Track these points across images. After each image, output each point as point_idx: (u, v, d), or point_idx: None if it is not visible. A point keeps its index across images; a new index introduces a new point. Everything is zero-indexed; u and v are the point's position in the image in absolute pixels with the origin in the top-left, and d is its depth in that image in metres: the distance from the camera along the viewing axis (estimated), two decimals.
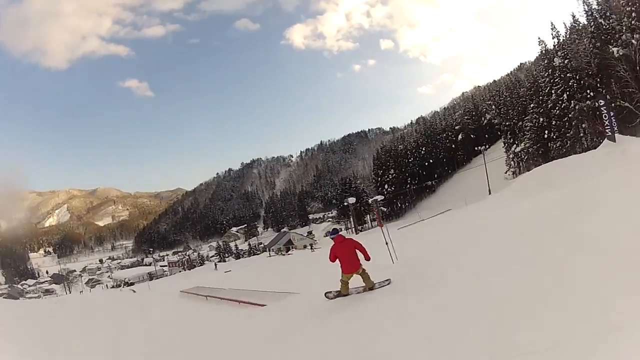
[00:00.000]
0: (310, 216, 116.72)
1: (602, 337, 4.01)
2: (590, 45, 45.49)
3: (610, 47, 42.74)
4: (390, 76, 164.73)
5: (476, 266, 8.65)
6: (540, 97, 50.93)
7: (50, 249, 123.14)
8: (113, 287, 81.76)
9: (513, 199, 21.44)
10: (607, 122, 23.27)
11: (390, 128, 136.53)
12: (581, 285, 5.48)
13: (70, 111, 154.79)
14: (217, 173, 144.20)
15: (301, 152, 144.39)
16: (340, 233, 11.10)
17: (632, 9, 42.08)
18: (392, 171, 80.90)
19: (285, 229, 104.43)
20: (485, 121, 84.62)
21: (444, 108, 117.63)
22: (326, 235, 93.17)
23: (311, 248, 66.35)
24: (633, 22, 41.86)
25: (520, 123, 58.89)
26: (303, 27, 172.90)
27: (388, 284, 9.92)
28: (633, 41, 41.22)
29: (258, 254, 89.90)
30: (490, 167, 60.42)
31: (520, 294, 5.83)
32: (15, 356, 12.45)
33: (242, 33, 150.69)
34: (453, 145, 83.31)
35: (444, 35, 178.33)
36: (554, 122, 48.67)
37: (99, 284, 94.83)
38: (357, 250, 9.91)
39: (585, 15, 48.05)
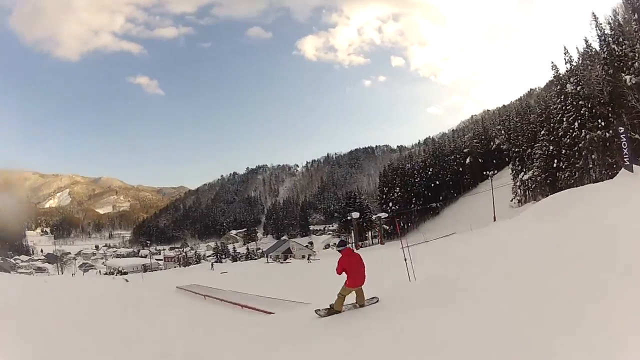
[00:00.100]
0: (311, 227, 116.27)
1: None
2: (603, 72, 44.80)
3: (623, 74, 42.09)
4: (399, 94, 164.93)
5: (495, 287, 8.32)
6: (552, 124, 50.40)
7: (48, 229, 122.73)
8: (106, 273, 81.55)
9: (528, 224, 21.15)
10: (625, 152, 22.91)
11: (397, 146, 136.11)
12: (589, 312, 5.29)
13: (80, 100, 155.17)
14: (222, 175, 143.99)
15: (307, 162, 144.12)
16: (348, 246, 10.76)
17: None
18: (397, 189, 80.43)
19: (285, 237, 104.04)
20: (494, 146, 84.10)
21: (453, 130, 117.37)
22: (325, 248, 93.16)
23: (308, 259, 65.55)
24: None
25: (530, 150, 58.34)
26: (315, 38, 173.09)
27: (376, 301, 9.79)
28: None
29: (255, 259, 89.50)
30: (496, 193, 59.87)
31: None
32: None
33: (253, 40, 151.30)
34: (460, 169, 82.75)
35: (455, 56, 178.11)
36: (563, 151, 48.06)
37: (93, 269, 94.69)
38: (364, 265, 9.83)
39: (598, 40, 47.44)
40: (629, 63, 42.43)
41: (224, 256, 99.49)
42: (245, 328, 10.87)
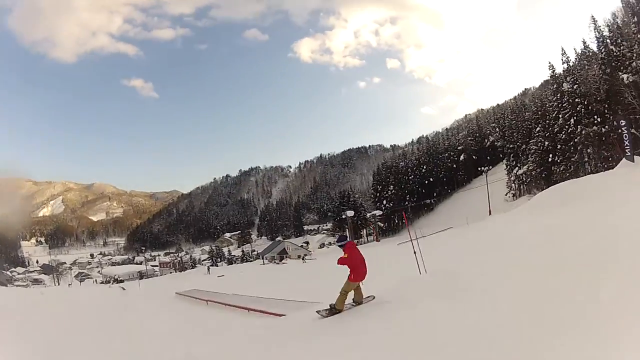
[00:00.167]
0: (305, 227, 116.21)
1: None
2: (600, 71, 45.48)
3: (620, 73, 42.64)
4: (394, 95, 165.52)
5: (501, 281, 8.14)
6: (547, 121, 50.81)
7: (42, 239, 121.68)
8: (102, 282, 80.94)
9: (529, 215, 21.07)
10: (627, 143, 23.12)
11: (390, 145, 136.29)
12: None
13: (74, 104, 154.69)
14: (214, 178, 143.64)
15: (300, 163, 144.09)
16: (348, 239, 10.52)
17: None
18: (391, 187, 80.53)
19: (279, 238, 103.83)
20: (488, 143, 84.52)
21: (447, 129, 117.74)
22: (321, 247, 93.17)
23: (302, 259, 65.28)
24: None
25: (524, 146, 58.70)
26: (311, 41, 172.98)
27: (372, 299, 9.61)
28: None
29: (251, 261, 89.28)
30: (490, 188, 60.05)
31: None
32: None
33: (250, 42, 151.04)
34: (454, 165, 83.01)
35: (451, 58, 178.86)
36: (559, 146, 48.49)
37: (89, 278, 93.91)
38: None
39: (596, 41, 47.98)
40: (627, 63, 42.98)
41: (219, 259, 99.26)
42: (258, 331, 10.41)
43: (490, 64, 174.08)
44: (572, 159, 46.70)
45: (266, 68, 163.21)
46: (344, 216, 78.51)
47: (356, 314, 8.93)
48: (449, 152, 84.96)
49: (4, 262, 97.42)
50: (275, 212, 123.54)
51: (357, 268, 9.48)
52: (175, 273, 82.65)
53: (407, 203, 78.35)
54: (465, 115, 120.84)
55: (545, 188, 48.26)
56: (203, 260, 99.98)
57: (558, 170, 48.20)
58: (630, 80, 41.73)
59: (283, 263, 66.85)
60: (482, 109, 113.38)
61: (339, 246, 10.03)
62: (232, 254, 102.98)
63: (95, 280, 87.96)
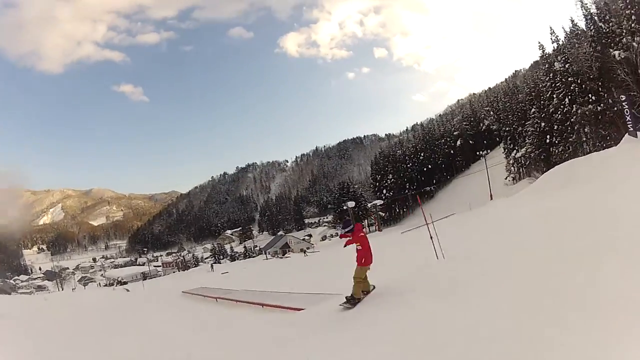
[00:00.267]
0: (306, 221, 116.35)
1: None
2: (591, 49, 45.34)
3: (611, 50, 42.52)
4: (384, 84, 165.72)
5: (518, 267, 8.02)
6: (542, 102, 50.63)
7: (44, 247, 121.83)
8: (106, 285, 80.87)
9: (531, 199, 21.03)
10: (629, 118, 23.08)
11: (385, 134, 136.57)
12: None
13: (67, 113, 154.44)
14: (212, 176, 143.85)
15: (296, 157, 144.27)
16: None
17: (632, 11, 41.91)
18: (390, 176, 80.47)
19: (281, 233, 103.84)
20: (484, 127, 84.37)
21: (439, 115, 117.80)
22: (323, 239, 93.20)
23: (304, 253, 65.18)
24: (633, 25, 41.66)
25: (520, 128, 58.53)
26: (297, 35, 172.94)
27: (373, 288, 9.38)
28: (634, 44, 41.04)
29: (254, 257, 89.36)
30: (489, 173, 59.90)
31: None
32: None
33: (236, 41, 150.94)
34: (452, 151, 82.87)
35: (437, 44, 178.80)
36: (555, 127, 48.31)
37: (92, 282, 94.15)
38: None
39: (584, 19, 47.72)
40: (617, 39, 42.70)
41: (221, 257, 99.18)
42: (281, 328, 9.94)
43: (478, 47, 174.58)
44: (570, 139, 46.57)
45: (254, 65, 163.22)
46: (345, 207, 78.40)
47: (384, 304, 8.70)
48: (445, 138, 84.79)
49: (6, 270, 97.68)
50: (275, 207, 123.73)
51: (368, 251, 9.31)
52: (178, 272, 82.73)
53: (407, 191, 78.40)
54: (458, 100, 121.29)
55: (545, 170, 48.46)
56: (205, 259, 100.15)
57: (557, 151, 48.05)
58: (622, 56, 41.58)
59: (286, 257, 66.80)
60: (474, 94, 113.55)
61: (347, 232, 9.62)
62: (235, 250, 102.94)
63: (99, 284, 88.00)
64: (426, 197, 79.82)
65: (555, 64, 48.06)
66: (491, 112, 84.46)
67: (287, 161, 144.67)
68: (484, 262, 9.28)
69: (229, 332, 10.89)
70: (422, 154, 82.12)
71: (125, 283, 71.54)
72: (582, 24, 49.05)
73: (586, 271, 6.03)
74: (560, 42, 50.44)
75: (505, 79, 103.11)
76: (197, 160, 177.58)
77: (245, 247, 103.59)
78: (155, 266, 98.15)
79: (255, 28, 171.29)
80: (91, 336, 14.57)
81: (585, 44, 46.72)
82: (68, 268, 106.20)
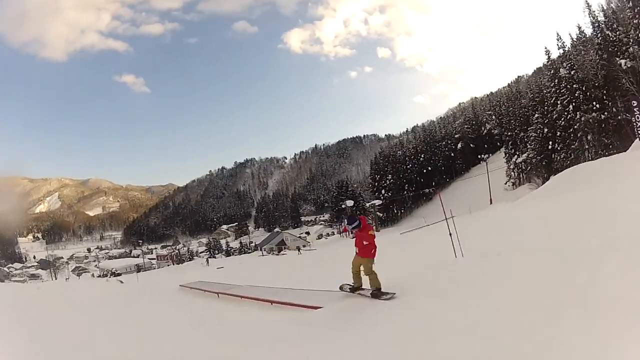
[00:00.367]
0: (302, 218, 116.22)
1: None
2: (597, 57, 45.41)
3: (617, 59, 42.49)
4: (386, 84, 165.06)
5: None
6: (545, 108, 50.49)
7: (39, 235, 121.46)
8: (99, 276, 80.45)
9: (533, 203, 20.82)
10: (638, 124, 22.92)
11: (385, 135, 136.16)
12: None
13: (67, 102, 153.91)
14: (210, 170, 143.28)
15: (295, 154, 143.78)
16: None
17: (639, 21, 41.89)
18: (389, 177, 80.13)
19: (277, 229, 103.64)
20: (485, 131, 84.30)
21: (440, 117, 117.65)
22: (319, 238, 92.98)
23: (298, 250, 64.80)
24: None
25: (522, 134, 58.32)
26: (301, 31, 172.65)
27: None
28: None
29: (249, 253, 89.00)
30: (489, 177, 59.65)
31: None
32: None
33: (240, 35, 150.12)
34: (452, 154, 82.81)
35: (441, 46, 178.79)
36: (558, 134, 48.18)
37: (86, 272, 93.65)
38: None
39: (591, 26, 48.04)
40: (623, 48, 42.89)
41: (216, 251, 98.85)
42: (288, 326, 9.25)
43: (481, 51, 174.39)
44: (573, 147, 46.46)
45: (257, 60, 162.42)
46: (343, 206, 78.14)
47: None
48: (446, 140, 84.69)
49: (1, 258, 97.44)
50: (272, 203, 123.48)
51: (373, 246, 9.26)
52: (172, 266, 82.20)
53: (405, 192, 78.20)
54: (459, 103, 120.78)
55: (546, 176, 48.44)
56: (200, 253, 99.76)
57: (558, 157, 47.91)
58: (628, 65, 41.64)
59: (282, 254, 66.44)
60: (475, 97, 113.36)
61: (353, 228, 9.52)
62: (230, 245, 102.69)
63: (93, 274, 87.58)
64: (425, 199, 79.77)
65: (561, 70, 48.02)
66: (493, 116, 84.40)
67: (285, 158, 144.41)
68: (484, 263, 9.29)
69: (234, 330, 10.45)
70: (422, 156, 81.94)
71: (119, 274, 70.91)
72: (589, 31, 49.26)
73: (586, 271, 6.07)
74: (567, 49, 50.41)
75: (508, 84, 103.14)
76: (195, 154, 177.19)
77: (241, 242, 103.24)
78: (149, 259, 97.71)
79: (260, 23, 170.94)
80: (86, 327, 14.17)
81: (592, 51, 46.80)
82: (62, 257, 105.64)
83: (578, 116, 45.55)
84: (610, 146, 41.55)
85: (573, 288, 5.61)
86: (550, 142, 49.47)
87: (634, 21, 42.03)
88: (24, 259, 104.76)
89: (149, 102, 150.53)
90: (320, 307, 9.29)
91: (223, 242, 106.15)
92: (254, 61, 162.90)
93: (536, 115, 52.50)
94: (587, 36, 49.38)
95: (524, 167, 57.73)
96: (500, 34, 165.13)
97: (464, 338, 5.23)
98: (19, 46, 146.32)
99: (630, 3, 42.45)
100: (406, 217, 76.80)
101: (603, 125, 43.79)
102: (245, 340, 8.73)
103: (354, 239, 9.72)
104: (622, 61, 41.69)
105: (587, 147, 45.30)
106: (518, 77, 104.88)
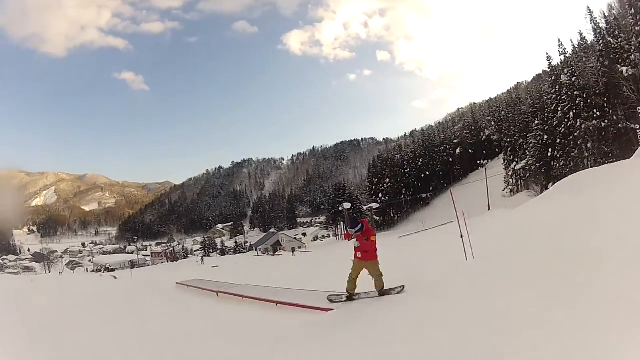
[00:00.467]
0: (298, 220, 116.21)
1: None
2: (598, 64, 45.35)
3: (619, 66, 42.44)
4: (385, 88, 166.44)
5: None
6: (546, 115, 50.32)
7: (35, 228, 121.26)
8: (93, 271, 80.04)
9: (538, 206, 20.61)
10: None
11: (384, 139, 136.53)
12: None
13: (67, 97, 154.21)
14: (207, 170, 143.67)
15: (293, 155, 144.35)
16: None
17: None
18: (387, 180, 79.82)
19: (273, 230, 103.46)
20: (484, 137, 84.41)
21: (439, 123, 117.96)
22: (314, 240, 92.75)
23: (292, 252, 64.43)
24: None
25: (522, 140, 58.12)
26: (301, 33, 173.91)
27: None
28: None
29: (244, 252, 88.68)
30: (487, 183, 59.47)
31: None
32: None
33: (239, 35, 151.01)
34: (450, 159, 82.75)
35: (441, 51, 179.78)
36: (558, 141, 48.02)
37: (80, 266, 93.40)
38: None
39: (593, 33, 48.02)
40: (625, 55, 42.83)
41: (211, 250, 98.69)
42: (293, 328, 8.84)
43: (481, 57, 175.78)
44: (572, 154, 46.28)
45: (256, 60, 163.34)
46: (340, 208, 77.73)
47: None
48: (445, 146, 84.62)
49: None
50: (268, 204, 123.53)
51: (375, 248, 9.18)
52: (167, 263, 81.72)
53: (403, 197, 78.03)
54: (458, 109, 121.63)
55: (545, 183, 48.31)
56: (195, 251, 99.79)
57: (558, 165, 47.73)
58: (630, 73, 41.57)
59: (278, 255, 66.11)
60: (474, 103, 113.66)
61: (356, 232, 9.14)
62: (225, 245, 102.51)
63: (87, 269, 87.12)
64: (421, 204, 79.67)
65: (562, 76, 47.92)
66: (492, 122, 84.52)
67: (283, 159, 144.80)
68: (484, 263, 9.37)
69: (240, 330, 10.08)
70: (420, 160, 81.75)
71: (112, 270, 70.51)
72: (590, 38, 49.39)
73: (585, 271, 6.03)
74: (568, 55, 50.40)
75: (508, 90, 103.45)
76: (192, 153, 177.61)
77: (236, 242, 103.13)
78: (144, 255, 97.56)
79: (260, 23, 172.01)
80: (83, 327, 13.83)
81: (593, 58, 46.80)
82: (57, 251, 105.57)
83: (578, 123, 45.42)
84: (610, 154, 41.39)
85: (573, 288, 5.58)
86: (550, 149, 49.28)
87: (636, 28, 41.93)
88: (18, 251, 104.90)
89: (148, 99, 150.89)
90: (332, 310, 8.94)
91: (218, 241, 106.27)
92: (253, 62, 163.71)
93: (536, 122, 52.34)
94: (589, 43, 49.45)
95: (522, 174, 57.56)
96: (500, 41, 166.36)
97: (461, 337, 5.21)
98: (19, 41, 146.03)
99: (633, 10, 42.39)
100: (403, 222, 76.60)
101: (603, 133, 43.66)
102: (252, 340, 8.47)
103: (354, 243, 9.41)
104: (624, 68, 41.64)
105: (586, 155, 45.09)
106: (517, 83, 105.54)
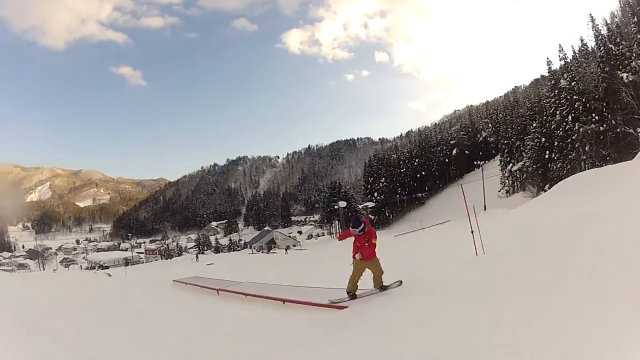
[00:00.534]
0: (292, 218, 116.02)
1: None
2: (599, 69, 45.56)
3: (619, 72, 42.63)
4: (382, 88, 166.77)
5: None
6: (544, 117, 50.58)
7: (29, 224, 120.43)
8: (87, 268, 79.62)
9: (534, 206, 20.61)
10: None
11: (379, 139, 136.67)
12: None
13: (63, 91, 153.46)
14: (202, 167, 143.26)
15: (288, 154, 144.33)
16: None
17: None
18: (383, 180, 79.81)
19: (267, 228, 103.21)
20: (481, 138, 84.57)
21: (435, 124, 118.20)
22: (309, 238, 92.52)
23: (285, 250, 64.17)
24: None
25: (519, 142, 58.27)
26: (300, 32, 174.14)
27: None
28: None
29: (238, 250, 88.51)
30: (483, 184, 59.60)
31: None
32: None
33: (239, 32, 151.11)
34: (446, 160, 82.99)
35: (439, 53, 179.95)
36: (556, 143, 48.22)
37: (74, 264, 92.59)
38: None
39: (594, 39, 48.24)
40: (626, 62, 43.18)
41: (205, 248, 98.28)
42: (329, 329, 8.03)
43: (479, 60, 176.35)
44: (570, 157, 46.50)
45: (254, 58, 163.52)
46: (335, 207, 77.65)
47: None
48: (442, 146, 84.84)
49: None
50: (262, 202, 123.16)
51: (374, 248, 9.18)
52: (161, 260, 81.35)
53: (398, 196, 78.01)
54: (455, 110, 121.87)
55: (541, 185, 48.45)
56: (189, 249, 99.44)
57: (555, 167, 48.02)
58: (630, 79, 41.81)
59: (273, 253, 65.87)
60: (472, 105, 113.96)
61: (359, 232, 9.03)
62: (219, 242, 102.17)
63: (81, 266, 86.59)
64: (417, 204, 79.73)
65: (561, 81, 48.16)
66: (490, 124, 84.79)
67: (278, 157, 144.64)
68: (483, 262, 9.42)
69: (245, 330, 9.84)
70: (416, 160, 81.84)
71: (106, 267, 70.11)
72: (591, 44, 49.61)
73: (585, 271, 6.03)
74: (568, 60, 50.61)
75: (505, 94, 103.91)
76: (188, 149, 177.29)
77: (230, 239, 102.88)
78: (138, 252, 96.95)
79: (260, 21, 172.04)
80: (80, 324, 13.58)
81: (594, 63, 47.17)
82: (51, 248, 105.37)
83: (577, 127, 45.71)
84: (608, 157, 41.67)
85: (573, 287, 5.59)
86: (547, 152, 49.53)
87: (638, 36, 42.24)
88: (12, 248, 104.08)
89: (145, 95, 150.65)
90: (347, 307, 8.74)
91: (212, 238, 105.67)
92: (251, 59, 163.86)
93: (534, 125, 52.59)
94: (589, 49, 49.79)
95: (518, 176, 57.84)
96: (498, 45, 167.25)
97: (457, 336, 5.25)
98: (20, 33, 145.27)
99: (635, 18, 42.63)
100: (398, 221, 76.63)
101: (601, 137, 43.98)
102: (263, 340, 8.29)
103: (354, 243, 9.34)
104: (624, 75, 41.95)
105: (584, 157, 45.36)
106: (515, 87, 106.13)
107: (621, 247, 6.51)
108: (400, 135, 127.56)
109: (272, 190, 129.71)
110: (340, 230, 74.78)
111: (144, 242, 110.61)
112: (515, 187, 59.27)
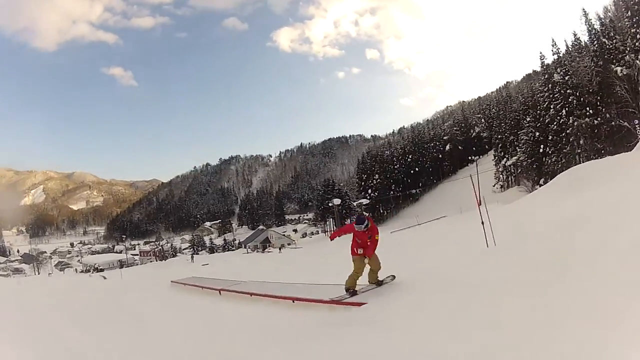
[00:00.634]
0: (286, 217, 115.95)
1: None
2: (592, 64, 45.91)
3: (613, 66, 42.89)
4: (373, 86, 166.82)
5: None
6: (538, 112, 50.70)
7: (23, 228, 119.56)
8: (82, 271, 79.23)
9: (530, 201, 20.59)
10: None
11: (371, 136, 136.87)
12: None
13: (54, 93, 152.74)
14: (195, 167, 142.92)
15: (280, 152, 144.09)
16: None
17: (637, 30, 42.34)
18: (376, 176, 79.80)
19: (262, 227, 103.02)
20: (474, 134, 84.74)
21: (427, 120, 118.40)
22: (303, 237, 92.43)
23: (279, 249, 64.11)
24: (637, 43, 42.14)
25: (513, 137, 58.38)
26: (291, 30, 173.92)
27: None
28: (637, 62, 41.41)
29: (233, 250, 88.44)
30: (477, 179, 59.51)
31: None
32: None
33: (229, 31, 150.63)
34: (440, 155, 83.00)
35: (430, 50, 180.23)
36: (550, 137, 48.37)
37: (69, 267, 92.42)
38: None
39: (587, 34, 48.66)
40: (619, 56, 43.52)
41: (200, 248, 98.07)
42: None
43: (470, 56, 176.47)
44: (564, 151, 46.66)
45: (245, 57, 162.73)
46: (330, 204, 77.55)
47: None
48: (435, 142, 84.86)
49: None
50: (256, 201, 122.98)
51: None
52: (156, 262, 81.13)
53: (392, 193, 78.01)
54: (447, 106, 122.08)
55: (536, 179, 48.56)
56: (184, 249, 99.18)
57: (549, 161, 48.14)
58: (624, 73, 42.05)
59: (267, 252, 65.79)
60: (464, 101, 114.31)
61: (364, 228, 9.03)
62: (214, 242, 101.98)
63: (76, 270, 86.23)
64: (411, 200, 79.78)
65: (555, 75, 48.28)
66: (483, 119, 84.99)
67: (270, 156, 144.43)
68: (481, 258, 9.32)
69: (256, 331, 9.53)
70: (410, 156, 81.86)
71: (101, 270, 69.75)
72: (584, 38, 50.04)
73: (583, 271, 5.97)
74: (561, 55, 50.87)
75: (497, 89, 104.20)
76: (180, 150, 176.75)
77: (224, 239, 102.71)
78: (132, 254, 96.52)
79: (250, 20, 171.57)
80: (79, 325, 13.35)
81: (587, 58, 47.53)
82: (45, 252, 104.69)
83: (571, 121, 45.95)
84: (602, 151, 41.87)
85: (573, 286, 5.54)
86: (542, 146, 49.64)
87: (632, 30, 42.49)
88: (7, 252, 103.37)
89: (137, 95, 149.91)
90: (365, 303, 8.49)
91: (207, 239, 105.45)
92: (241, 58, 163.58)
93: (527, 119, 52.71)
94: (583, 43, 50.21)
95: (513, 170, 57.95)
96: (490, 41, 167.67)
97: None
98: (10, 35, 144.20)
99: (629, 12, 42.86)
100: (392, 217, 76.66)
101: (596, 130, 44.25)
102: (277, 339, 8.11)
103: (353, 240, 9.38)
104: (618, 68, 42.24)
105: (579, 151, 45.56)
106: (507, 82, 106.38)
107: (621, 243, 6.44)
108: (393, 132, 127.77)
109: (265, 189, 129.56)
110: (334, 227, 74.38)
111: (138, 244, 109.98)
112: (510, 182, 59.38)
